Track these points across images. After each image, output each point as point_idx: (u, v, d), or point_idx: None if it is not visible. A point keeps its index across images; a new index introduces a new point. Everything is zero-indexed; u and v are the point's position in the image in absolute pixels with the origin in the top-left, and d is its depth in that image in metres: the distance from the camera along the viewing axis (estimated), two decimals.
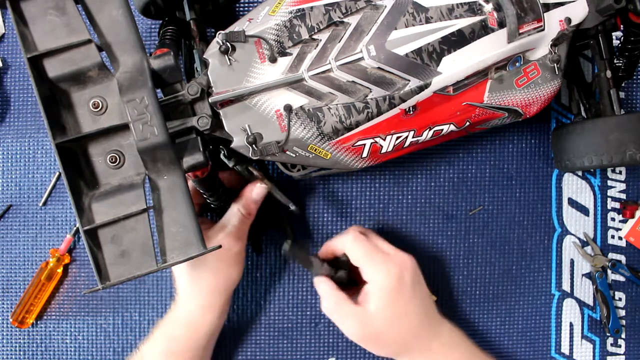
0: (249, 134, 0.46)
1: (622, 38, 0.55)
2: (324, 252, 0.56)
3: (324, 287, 0.53)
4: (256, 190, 0.54)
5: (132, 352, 0.56)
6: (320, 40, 0.46)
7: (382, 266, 0.51)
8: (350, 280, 0.55)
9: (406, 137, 0.49)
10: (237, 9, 0.64)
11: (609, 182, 0.65)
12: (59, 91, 0.42)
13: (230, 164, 0.52)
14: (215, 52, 0.46)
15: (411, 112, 0.48)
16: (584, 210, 0.65)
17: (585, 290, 0.65)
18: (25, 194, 0.63)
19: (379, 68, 0.46)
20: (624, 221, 0.65)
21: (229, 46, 0.46)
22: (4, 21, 0.63)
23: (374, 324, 0.51)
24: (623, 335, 0.65)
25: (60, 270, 0.62)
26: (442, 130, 0.50)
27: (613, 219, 0.65)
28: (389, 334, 0.52)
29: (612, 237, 0.65)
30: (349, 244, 0.53)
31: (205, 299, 0.53)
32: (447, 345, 0.54)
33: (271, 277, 0.64)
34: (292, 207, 0.54)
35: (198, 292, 0.53)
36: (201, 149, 0.44)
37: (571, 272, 0.65)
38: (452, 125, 0.50)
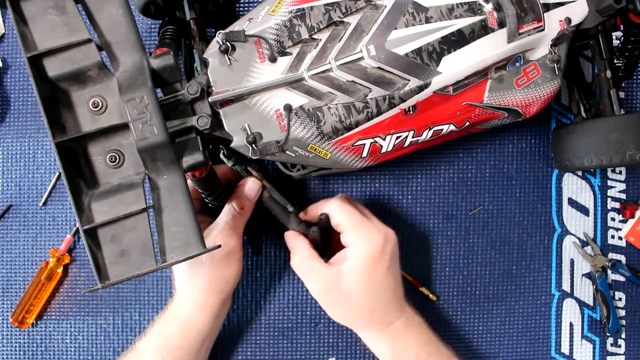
0: (249, 133, 0.46)
1: (622, 38, 0.55)
2: (307, 215, 0.55)
3: (297, 240, 0.53)
4: (249, 184, 0.53)
5: (128, 348, 0.56)
6: (320, 40, 0.47)
7: (366, 233, 0.50)
8: (320, 245, 0.54)
9: (406, 137, 0.49)
10: (237, 9, 0.64)
11: (609, 182, 0.65)
12: (59, 90, 0.42)
13: (230, 164, 0.52)
14: (215, 51, 0.46)
15: (411, 112, 0.48)
16: (584, 210, 0.65)
17: (585, 290, 0.65)
18: (25, 194, 0.63)
19: (378, 68, 0.46)
20: (624, 221, 0.65)
21: (229, 46, 0.46)
22: (4, 21, 0.63)
23: (342, 285, 0.50)
24: (623, 335, 0.65)
25: (60, 270, 0.62)
26: (442, 130, 0.50)
27: (613, 219, 0.65)
28: (357, 300, 0.51)
29: (612, 237, 0.65)
30: (335, 207, 0.52)
31: (200, 297, 0.53)
32: (409, 324, 0.53)
33: (271, 277, 0.64)
34: (290, 209, 0.53)
35: (193, 290, 0.53)
36: (201, 149, 0.44)
37: (571, 272, 0.65)
38: (452, 125, 0.50)
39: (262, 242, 0.63)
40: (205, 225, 0.53)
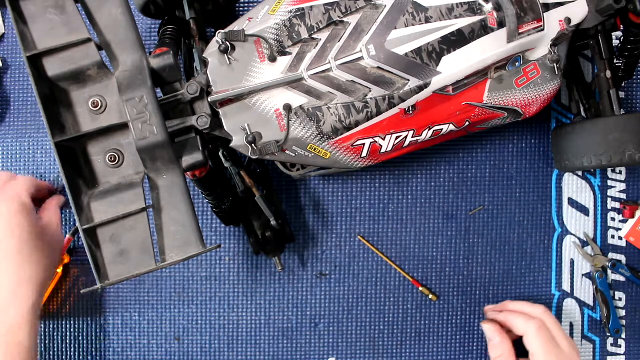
0: (249, 133, 0.46)
1: (622, 38, 0.55)
2: (493, 314, 0.60)
3: (498, 336, 0.57)
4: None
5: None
6: (320, 39, 0.47)
7: None
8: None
9: (406, 137, 0.49)
10: (237, 9, 0.64)
11: (609, 182, 0.65)
12: (59, 90, 0.42)
13: (227, 165, 0.52)
14: (214, 51, 0.46)
15: (411, 112, 0.48)
16: (584, 210, 0.65)
17: (585, 290, 0.65)
18: None
19: (378, 67, 0.46)
20: (624, 221, 0.65)
21: (229, 45, 0.46)
22: (4, 21, 0.63)
23: None
24: (623, 335, 0.65)
25: (60, 270, 0.62)
26: (441, 130, 0.50)
27: (613, 219, 0.65)
28: None
29: (612, 237, 0.65)
30: (533, 333, 0.55)
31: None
32: None
33: (271, 277, 0.64)
34: (273, 222, 0.53)
35: None
36: (200, 149, 0.44)
37: (571, 272, 0.65)
38: (451, 125, 0.50)
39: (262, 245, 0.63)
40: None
